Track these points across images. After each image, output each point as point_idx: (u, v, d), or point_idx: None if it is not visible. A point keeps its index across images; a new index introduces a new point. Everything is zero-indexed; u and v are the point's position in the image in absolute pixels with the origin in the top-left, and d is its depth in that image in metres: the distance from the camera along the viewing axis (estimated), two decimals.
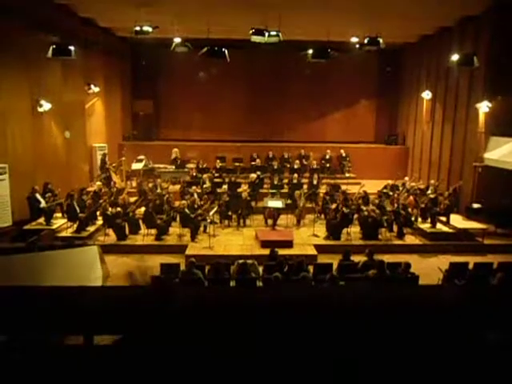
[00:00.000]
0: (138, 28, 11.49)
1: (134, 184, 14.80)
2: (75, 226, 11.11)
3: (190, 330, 2.24)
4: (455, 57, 12.14)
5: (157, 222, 11.15)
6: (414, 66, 17.43)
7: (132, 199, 12.57)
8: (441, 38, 14.87)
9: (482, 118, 12.68)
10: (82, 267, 8.33)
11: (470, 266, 8.23)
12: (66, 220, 11.35)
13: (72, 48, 10.58)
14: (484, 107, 12.44)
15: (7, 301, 2.32)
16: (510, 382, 2.17)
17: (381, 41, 11.80)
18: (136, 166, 15.16)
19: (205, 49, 11.12)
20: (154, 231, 11.16)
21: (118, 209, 11.34)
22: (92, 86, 14.82)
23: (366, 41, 11.99)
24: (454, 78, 14.12)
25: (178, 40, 12.92)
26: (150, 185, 13.64)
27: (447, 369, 2.22)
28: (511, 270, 8.05)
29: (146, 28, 11.51)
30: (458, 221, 12.15)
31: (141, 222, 11.36)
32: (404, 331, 2.48)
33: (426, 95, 15.91)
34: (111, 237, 11.00)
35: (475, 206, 12.54)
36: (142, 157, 15.51)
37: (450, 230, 11.68)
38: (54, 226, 11.03)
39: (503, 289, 5.12)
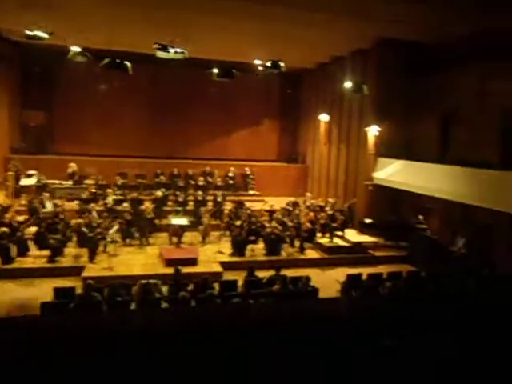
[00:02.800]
0: (29, 32, 10.62)
1: (24, 201, 13.48)
2: None
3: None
4: (348, 84, 13.23)
5: (50, 243, 10.24)
6: (313, 89, 18.61)
7: (21, 218, 11.42)
8: (336, 66, 16.10)
9: (371, 140, 13.91)
10: None
11: (364, 277, 8.86)
12: None
13: None
14: (373, 131, 13.68)
15: None
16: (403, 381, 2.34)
17: (282, 65, 12.40)
18: (26, 181, 13.85)
19: (106, 60, 10.65)
20: (46, 252, 10.22)
21: (4, 228, 10.20)
22: None
23: (268, 64, 12.51)
24: (347, 104, 15.35)
25: (76, 49, 12.19)
26: (36, 203, 12.49)
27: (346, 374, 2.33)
28: (398, 279, 8.85)
29: (39, 33, 10.68)
30: (352, 235, 13.07)
31: (31, 242, 10.35)
32: (305, 342, 2.55)
33: (323, 118, 17.04)
34: None
35: (367, 221, 13.61)
36: (33, 171, 14.23)
37: (346, 244, 12.50)
38: None
39: (392, 298, 5.59)
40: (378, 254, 12.32)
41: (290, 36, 12.47)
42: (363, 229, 13.54)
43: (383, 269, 10.56)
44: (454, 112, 12.24)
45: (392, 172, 13.29)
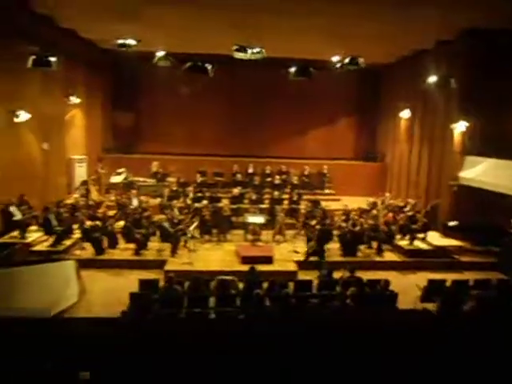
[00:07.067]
0: (121, 41, 11.45)
1: (113, 197, 14.60)
2: (51, 239, 10.84)
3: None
4: (432, 78, 12.50)
5: (136, 237, 10.98)
6: (393, 85, 17.86)
7: (111, 212, 12.37)
8: (418, 59, 15.26)
9: (457, 137, 13.03)
10: (58, 283, 8.11)
11: (448, 283, 8.35)
12: (41, 233, 11.07)
13: (53, 59, 10.45)
14: (459, 127, 12.80)
15: None
16: None
17: (361, 60, 12.06)
18: (115, 179, 14.97)
19: (188, 64, 11.13)
20: (132, 245, 10.98)
21: (97, 222, 11.13)
22: (72, 98, 14.64)
23: (346, 60, 12.24)
24: (431, 99, 14.50)
25: (160, 54, 12.92)
26: (124, 198, 13.44)
27: None
28: (486, 287, 8.22)
29: (129, 41, 11.47)
30: (435, 238, 12.36)
31: (119, 236, 11.18)
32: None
33: (404, 114, 16.28)
34: (88, 251, 10.77)
35: (452, 223, 12.78)
36: (121, 170, 15.33)
37: (428, 247, 11.87)
38: (29, 240, 10.75)
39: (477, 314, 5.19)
40: (463, 259, 11.54)
41: (369, 31, 12.08)
42: (447, 232, 12.74)
43: (469, 275, 9.89)
44: None
45: (481, 171, 12.34)
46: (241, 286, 8.15)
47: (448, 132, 13.45)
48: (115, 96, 18.52)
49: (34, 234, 11.11)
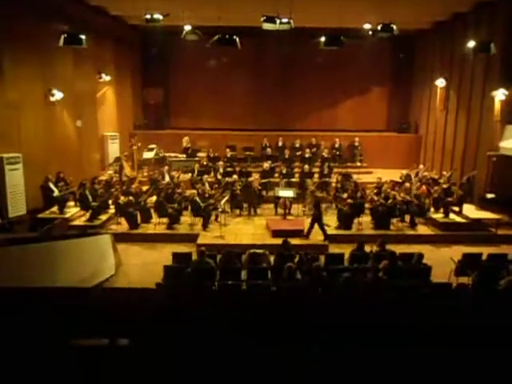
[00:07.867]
0: (148, 16, 11.41)
1: (146, 173, 14.87)
2: (88, 214, 11.22)
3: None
4: (471, 43, 11.88)
5: (168, 211, 11.20)
6: (428, 52, 17.11)
7: (144, 188, 12.64)
8: (455, 24, 14.54)
9: (497, 106, 12.43)
10: (95, 256, 8.42)
11: (484, 257, 8.15)
12: (78, 209, 11.47)
13: (83, 37, 10.55)
14: (500, 95, 12.19)
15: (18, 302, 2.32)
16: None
17: (394, 27, 11.57)
18: (147, 154, 15.21)
19: (216, 37, 10.99)
20: (165, 220, 11.22)
21: (130, 197, 11.41)
22: (103, 75, 14.82)
23: (379, 27, 11.77)
24: (469, 66, 13.83)
25: (188, 28, 12.82)
26: (156, 174, 13.67)
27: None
28: None
29: (156, 16, 11.41)
30: (471, 211, 12.02)
31: (152, 210, 11.44)
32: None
33: (440, 83, 15.62)
34: (123, 225, 11.09)
35: (489, 195, 12.37)
36: (153, 146, 15.54)
37: (463, 220, 11.57)
38: (68, 215, 11.16)
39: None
40: (500, 232, 11.19)
41: None
42: (484, 204, 12.35)
43: (507, 249, 9.61)
44: None
45: None
46: (272, 259, 8.23)
47: (486, 100, 12.86)
48: (144, 72, 18.62)
49: (72, 210, 11.53)
